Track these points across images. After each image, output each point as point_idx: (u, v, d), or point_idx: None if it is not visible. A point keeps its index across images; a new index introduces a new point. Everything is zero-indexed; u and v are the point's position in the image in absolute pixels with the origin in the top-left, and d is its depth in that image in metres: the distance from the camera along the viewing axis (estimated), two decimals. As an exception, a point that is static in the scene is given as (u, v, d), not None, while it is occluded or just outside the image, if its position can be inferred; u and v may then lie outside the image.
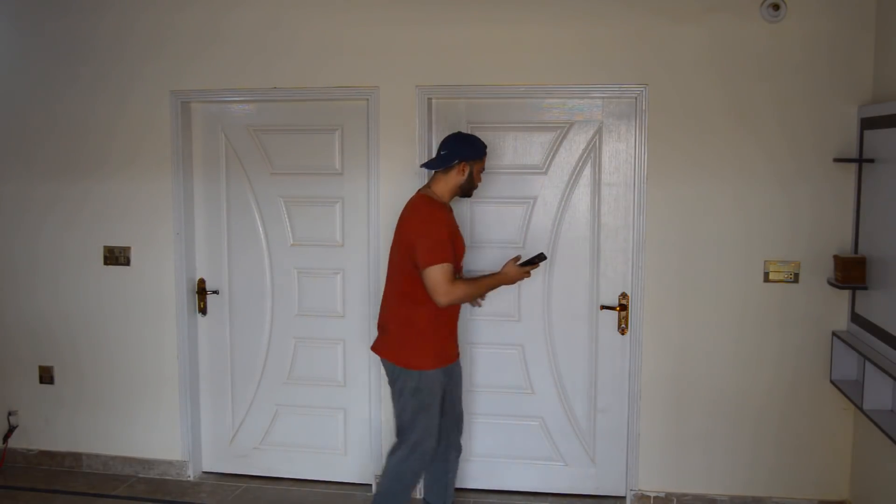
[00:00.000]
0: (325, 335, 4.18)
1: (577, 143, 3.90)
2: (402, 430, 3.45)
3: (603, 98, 3.85)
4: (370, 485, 4.18)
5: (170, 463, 4.32)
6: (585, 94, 3.83)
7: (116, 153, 4.20)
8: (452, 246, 3.34)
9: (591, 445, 4.05)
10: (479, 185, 3.55)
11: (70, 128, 4.23)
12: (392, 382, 3.46)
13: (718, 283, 3.78)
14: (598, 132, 3.88)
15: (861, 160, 3.52)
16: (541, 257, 3.51)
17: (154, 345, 4.27)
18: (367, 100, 3.95)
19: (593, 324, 3.98)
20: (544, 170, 3.94)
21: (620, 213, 3.89)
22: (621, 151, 3.87)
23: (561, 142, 3.91)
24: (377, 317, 4.02)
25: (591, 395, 4.02)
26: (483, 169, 3.55)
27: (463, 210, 4.00)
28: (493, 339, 4.06)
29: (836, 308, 3.71)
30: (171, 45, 4.07)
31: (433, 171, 3.49)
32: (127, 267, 4.25)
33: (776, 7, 3.60)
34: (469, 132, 3.97)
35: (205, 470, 4.39)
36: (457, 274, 3.40)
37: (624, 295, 3.91)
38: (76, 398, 4.39)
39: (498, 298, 4.02)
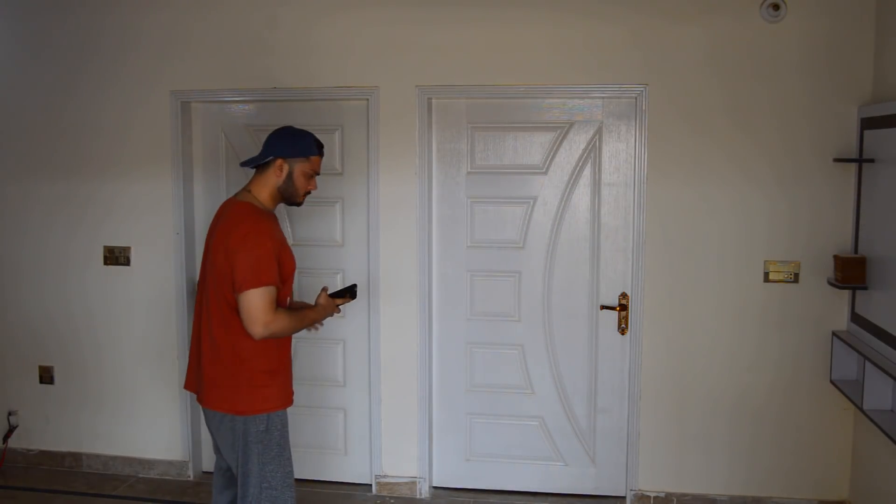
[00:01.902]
0: (325, 335, 4.16)
1: (577, 143, 3.90)
2: (248, 486, 2.87)
3: (603, 98, 3.85)
4: (370, 485, 4.18)
5: (170, 463, 4.32)
6: (585, 94, 3.83)
7: (116, 153, 4.19)
8: (279, 265, 2.82)
9: (590, 445, 4.05)
10: (312, 192, 3.02)
11: (69, 128, 4.23)
12: (226, 433, 2.87)
13: (718, 283, 3.78)
14: (598, 132, 3.88)
15: (861, 160, 3.52)
16: (352, 291, 3.17)
17: (154, 345, 4.26)
18: (367, 100, 3.95)
19: (593, 324, 3.98)
20: (544, 170, 3.94)
21: (620, 213, 3.89)
22: (621, 151, 3.87)
23: (561, 142, 3.91)
24: (373, 317, 4.03)
25: (591, 395, 4.02)
26: (314, 173, 2.99)
27: (462, 209, 4.00)
28: (493, 339, 4.06)
29: (836, 308, 3.71)
30: (172, 45, 4.07)
31: (254, 173, 2.99)
32: (127, 267, 4.25)
33: (776, 7, 3.60)
34: (471, 132, 3.98)
35: (205, 470, 4.39)
36: (288, 297, 2.98)
37: (624, 295, 3.91)
38: (76, 398, 4.39)
39: (498, 298, 4.03)
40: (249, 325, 2.76)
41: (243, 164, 3.02)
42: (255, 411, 2.85)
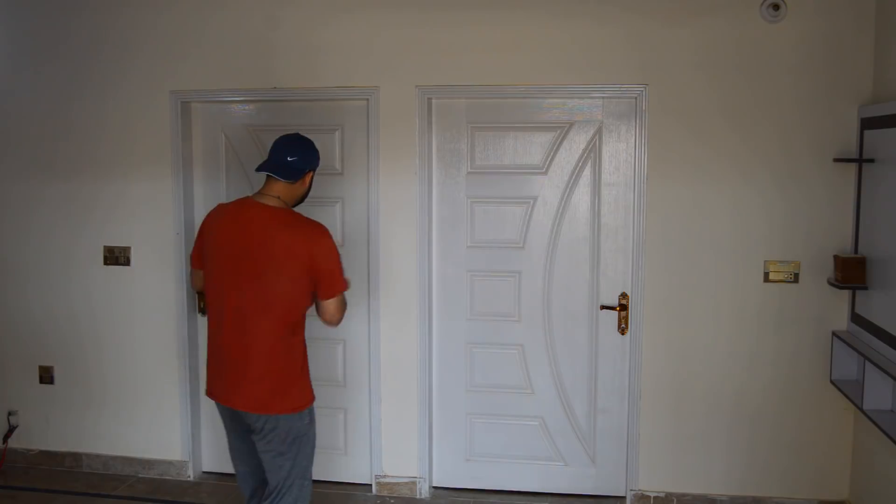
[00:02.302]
0: (325, 335, 4.16)
1: (577, 143, 3.90)
2: (288, 479, 2.99)
3: (603, 98, 3.85)
4: (370, 485, 4.18)
5: (170, 463, 4.32)
6: (585, 94, 3.83)
7: (116, 153, 4.19)
8: None
9: (591, 445, 4.05)
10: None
11: (70, 129, 4.22)
12: (276, 433, 2.93)
13: (718, 283, 3.78)
14: (598, 132, 3.88)
15: (861, 160, 3.52)
16: None
17: (154, 345, 4.27)
18: (367, 100, 3.95)
19: (593, 324, 3.98)
20: (544, 170, 3.94)
21: (620, 213, 3.89)
22: (621, 151, 3.87)
23: (561, 142, 3.91)
24: (373, 317, 4.02)
25: (591, 395, 4.02)
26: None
27: (462, 209, 4.00)
28: (493, 339, 4.06)
29: (836, 308, 3.71)
30: (171, 45, 4.07)
31: (266, 177, 2.99)
32: (127, 267, 4.25)
33: (776, 7, 3.60)
34: (471, 132, 3.98)
35: (205, 470, 4.39)
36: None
37: (624, 295, 3.91)
38: (76, 398, 4.39)
39: (498, 298, 4.02)
40: (335, 317, 2.99)
41: (277, 174, 2.93)
42: (301, 407, 2.97)
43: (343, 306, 3.01)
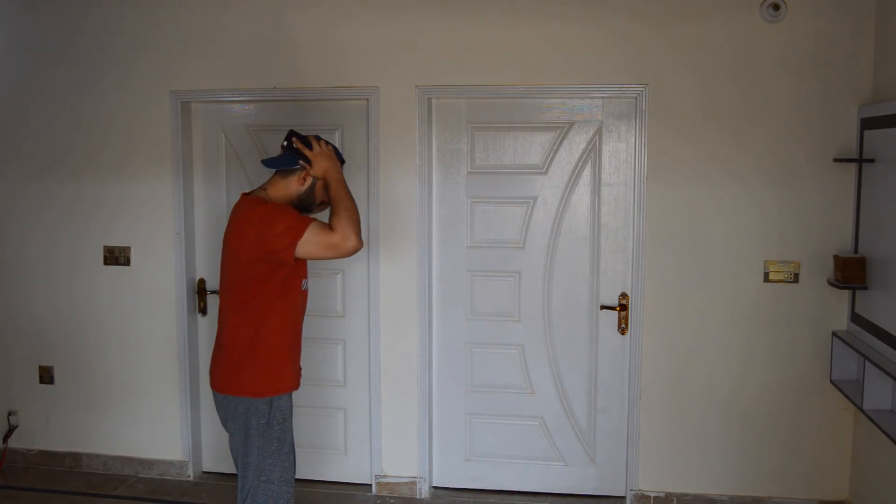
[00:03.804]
0: (325, 335, 4.18)
1: (577, 143, 3.90)
2: (246, 477, 2.90)
3: (603, 98, 3.85)
4: (370, 485, 4.18)
5: (170, 463, 4.32)
6: (585, 94, 3.83)
7: (117, 153, 4.19)
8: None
9: (591, 445, 4.05)
10: (325, 202, 3.00)
11: (69, 128, 4.23)
12: (235, 421, 2.89)
13: (718, 283, 3.78)
14: (598, 132, 3.88)
15: (861, 160, 3.52)
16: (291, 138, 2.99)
17: (154, 345, 4.27)
18: (367, 100, 3.95)
19: (593, 324, 3.98)
20: (544, 170, 3.94)
21: (620, 213, 3.89)
22: (621, 151, 3.87)
23: (561, 142, 3.91)
24: (373, 317, 4.04)
25: (591, 395, 4.02)
26: None
27: (462, 209, 4.00)
28: (493, 339, 4.06)
29: (836, 308, 3.71)
30: (171, 45, 4.07)
31: (273, 173, 2.99)
32: (127, 267, 4.25)
33: (776, 7, 3.60)
34: (471, 132, 3.97)
35: (205, 470, 4.39)
36: (304, 279, 2.95)
37: (624, 295, 3.91)
38: (76, 398, 4.39)
39: (498, 298, 4.03)
40: (337, 253, 2.78)
41: (267, 164, 2.98)
42: (256, 394, 2.86)
43: (328, 237, 2.75)
